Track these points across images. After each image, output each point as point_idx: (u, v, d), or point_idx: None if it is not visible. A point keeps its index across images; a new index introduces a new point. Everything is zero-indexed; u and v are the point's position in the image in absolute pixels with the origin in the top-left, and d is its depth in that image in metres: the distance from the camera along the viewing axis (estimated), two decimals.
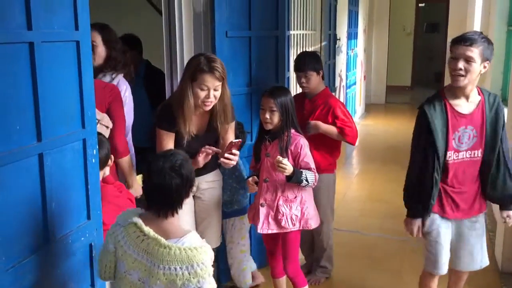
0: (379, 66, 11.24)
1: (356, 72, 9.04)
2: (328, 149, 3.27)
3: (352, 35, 8.28)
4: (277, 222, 2.70)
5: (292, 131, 2.69)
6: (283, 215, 2.69)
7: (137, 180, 2.63)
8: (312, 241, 3.48)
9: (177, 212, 1.66)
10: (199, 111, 2.52)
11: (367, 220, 4.58)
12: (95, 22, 2.88)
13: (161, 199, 1.63)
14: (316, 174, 2.69)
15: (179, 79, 3.09)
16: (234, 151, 2.49)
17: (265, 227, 2.72)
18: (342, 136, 3.18)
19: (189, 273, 1.55)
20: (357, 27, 8.72)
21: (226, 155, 2.47)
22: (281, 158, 2.56)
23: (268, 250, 2.91)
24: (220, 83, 2.47)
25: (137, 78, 3.57)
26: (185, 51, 3.06)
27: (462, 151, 2.47)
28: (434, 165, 2.45)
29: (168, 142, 2.53)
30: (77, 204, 1.92)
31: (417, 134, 2.53)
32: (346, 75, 8.05)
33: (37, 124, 1.66)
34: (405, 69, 12.98)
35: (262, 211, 2.71)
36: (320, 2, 5.94)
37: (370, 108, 10.61)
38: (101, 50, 2.81)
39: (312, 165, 2.68)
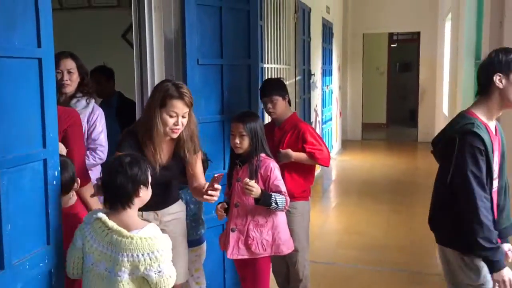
0: (355, 103, 11.42)
1: (332, 108, 9.16)
2: (301, 175, 3.24)
3: (326, 72, 8.44)
4: (248, 247, 2.63)
5: (262, 155, 2.67)
6: (253, 240, 2.63)
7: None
8: (287, 272, 3.40)
9: (129, 207, 1.90)
10: (166, 138, 2.46)
11: (344, 252, 4.52)
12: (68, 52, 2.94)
13: (110, 194, 1.91)
14: (287, 198, 2.65)
15: None
16: (216, 185, 2.35)
17: (235, 252, 2.65)
18: (314, 160, 3.16)
19: (150, 259, 1.78)
20: (331, 65, 8.90)
21: (210, 192, 2.34)
22: (248, 180, 2.53)
23: (240, 277, 2.83)
24: (188, 109, 2.41)
25: (109, 108, 3.56)
26: (156, 78, 3.04)
27: (495, 178, 2.18)
28: (491, 196, 2.10)
29: None
30: (36, 228, 1.83)
31: (472, 162, 2.06)
32: (322, 111, 8.14)
33: None
34: (379, 107, 13.22)
35: (233, 236, 2.64)
36: (294, 38, 6.06)
37: (346, 144, 10.71)
38: (76, 77, 2.95)
39: (283, 188, 2.65)
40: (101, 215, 1.87)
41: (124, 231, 1.82)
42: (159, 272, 1.80)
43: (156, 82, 3.05)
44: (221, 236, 2.83)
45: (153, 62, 3.04)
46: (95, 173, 2.98)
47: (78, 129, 2.45)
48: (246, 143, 2.63)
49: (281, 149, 3.15)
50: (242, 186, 2.62)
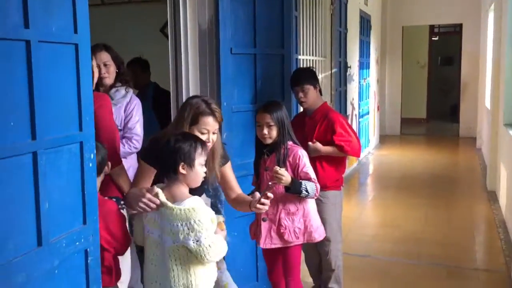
0: (393, 97, 11.22)
1: (369, 102, 9.03)
2: (332, 164, 3.22)
3: (364, 65, 8.32)
4: (280, 235, 2.64)
5: (290, 143, 2.68)
6: (285, 228, 2.63)
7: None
8: (319, 262, 3.39)
9: (174, 180, 2.07)
10: None
11: (380, 245, 4.47)
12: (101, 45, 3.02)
13: (160, 168, 2.20)
14: (317, 185, 2.64)
15: (184, 97, 3.12)
16: (269, 194, 2.32)
17: (268, 241, 2.67)
18: (343, 152, 3.14)
19: (188, 228, 1.94)
20: (369, 57, 8.78)
21: (263, 200, 2.31)
22: (278, 168, 2.54)
23: (268, 268, 2.84)
24: (218, 126, 2.39)
25: (145, 99, 3.64)
26: (190, 68, 3.09)
27: None
28: None
29: (148, 179, 2.33)
30: (73, 208, 1.89)
31: None
32: (359, 104, 8.04)
33: (32, 122, 1.66)
34: (420, 101, 12.95)
35: (264, 225, 2.66)
36: (330, 30, 6.01)
37: (385, 139, 10.55)
38: (113, 68, 3.02)
39: (313, 175, 2.65)
40: (157, 189, 2.05)
41: (168, 203, 2.00)
42: (197, 241, 1.93)
43: (191, 72, 3.11)
44: (251, 226, 2.84)
45: (187, 52, 3.09)
46: (129, 162, 3.06)
47: (106, 111, 2.47)
48: (274, 133, 2.64)
49: (310, 143, 3.13)
50: (272, 175, 2.63)
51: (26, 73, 1.63)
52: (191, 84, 3.12)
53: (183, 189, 2.08)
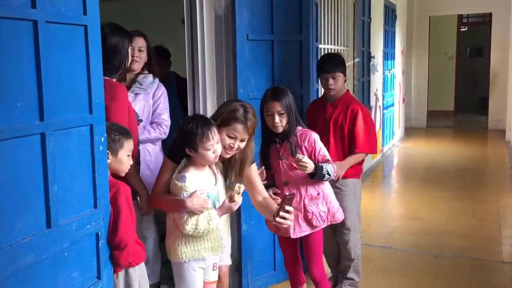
0: (420, 89, 10.99)
1: (394, 93, 8.86)
2: (352, 153, 3.16)
3: (388, 56, 8.16)
4: (309, 222, 2.61)
5: (299, 128, 2.62)
6: (312, 214, 2.61)
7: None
8: (338, 252, 3.33)
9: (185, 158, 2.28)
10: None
11: (401, 237, 4.37)
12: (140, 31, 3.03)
13: None
14: (334, 165, 2.61)
15: (200, 84, 3.10)
16: (288, 207, 2.26)
17: (298, 230, 2.63)
18: (365, 155, 3.13)
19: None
20: (394, 48, 8.60)
21: (282, 213, 2.25)
22: (301, 156, 2.49)
23: (286, 258, 2.80)
24: (249, 135, 2.35)
25: (168, 88, 3.61)
26: (207, 55, 3.07)
27: None
28: None
29: (170, 175, 2.30)
30: (83, 191, 1.88)
31: None
32: (383, 96, 7.90)
33: (40, 103, 1.65)
34: (447, 93, 12.65)
35: None
36: (353, 19, 5.90)
37: (410, 131, 10.35)
38: (145, 56, 3.03)
39: (328, 156, 2.61)
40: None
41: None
42: None
43: (207, 59, 3.08)
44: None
45: (204, 39, 3.06)
46: (157, 148, 3.06)
47: (119, 104, 2.37)
48: (285, 120, 2.58)
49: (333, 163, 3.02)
50: (289, 163, 2.59)
51: (34, 54, 1.63)
52: (207, 72, 3.10)
53: (187, 167, 2.27)
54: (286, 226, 2.35)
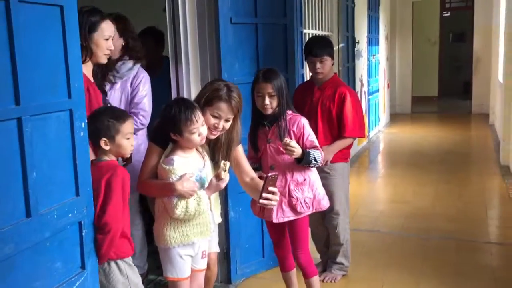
0: (404, 75, 11.02)
1: (379, 79, 8.86)
2: (341, 138, 3.13)
3: (372, 41, 8.14)
4: (292, 207, 2.57)
5: (289, 112, 2.58)
6: (297, 200, 2.56)
7: None
8: (327, 237, 3.31)
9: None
10: None
11: (388, 220, 4.38)
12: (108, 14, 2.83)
13: None
14: (322, 152, 2.56)
15: (184, 69, 3.03)
16: (271, 188, 2.25)
17: (280, 215, 2.58)
18: (353, 139, 3.11)
19: None
20: (378, 34, 8.58)
21: (265, 195, 2.24)
22: (289, 140, 2.45)
23: (274, 242, 2.77)
24: (233, 115, 2.31)
25: (161, 75, 3.48)
26: (189, 38, 3.00)
27: None
28: None
29: (156, 159, 2.26)
30: (64, 178, 1.82)
31: None
32: (368, 81, 7.89)
33: (15, 87, 1.58)
34: (431, 79, 12.72)
35: None
36: (337, 4, 5.85)
37: (395, 117, 10.39)
38: (116, 40, 2.78)
39: (317, 143, 2.56)
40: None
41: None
42: None
43: (190, 43, 3.01)
44: (253, 202, 2.69)
45: (186, 23, 2.99)
46: (140, 138, 2.97)
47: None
48: (275, 102, 2.53)
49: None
50: (276, 148, 2.55)
51: (7, 35, 1.55)
52: (190, 57, 3.02)
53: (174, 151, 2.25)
54: (271, 207, 2.33)
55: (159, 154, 2.26)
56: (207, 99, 2.28)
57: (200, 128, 2.18)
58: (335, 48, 5.83)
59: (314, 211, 2.63)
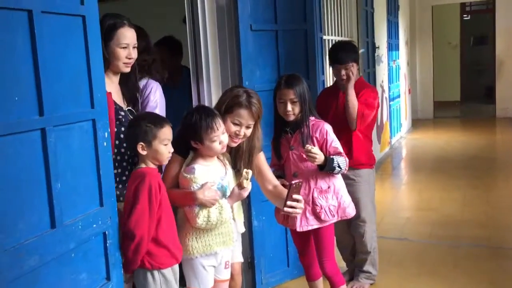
0: (425, 80, 10.87)
1: (400, 84, 8.75)
2: (368, 141, 3.07)
3: (393, 46, 8.05)
4: (316, 216, 2.51)
5: (312, 118, 2.53)
6: (321, 208, 2.50)
7: None
8: (353, 246, 3.24)
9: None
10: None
11: (416, 227, 4.27)
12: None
13: None
14: (347, 159, 2.50)
15: (205, 77, 3.01)
16: (296, 196, 2.22)
17: (304, 223, 2.53)
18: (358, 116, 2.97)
19: None
20: (398, 39, 8.49)
21: (289, 203, 2.21)
22: (310, 147, 2.40)
23: (299, 251, 2.71)
24: (254, 121, 2.27)
25: (179, 87, 3.44)
26: (210, 47, 2.98)
27: None
28: None
29: (177, 168, 2.21)
30: (88, 189, 1.80)
31: None
32: (389, 87, 7.79)
33: (39, 98, 1.57)
34: (453, 83, 12.51)
35: None
36: (356, 9, 5.80)
37: (417, 123, 10.24)
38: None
39: (341, 149, 2.50)
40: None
41: None
42: None
43: (210, 51, 2.99)
44: (277, 210, 2.63)
45: (206, 32, 2.98)
46: None
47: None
48: (297, 109, 2.49)
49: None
50: (298, 154, 2.51)
51: (30, 46, 1.55)
52: (211, 65, 3.01)
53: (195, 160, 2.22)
54: (295, 215, 2.29)
55: (180, 163, 2.23)
56: (227, 106, 2.25)
57: (221, 136, 2.14)
58: None
59: (339, 219, 2.57)
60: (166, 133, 2.04)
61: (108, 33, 2.22)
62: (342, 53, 2.99)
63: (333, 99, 3.09)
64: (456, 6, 12.07)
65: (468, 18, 12.80)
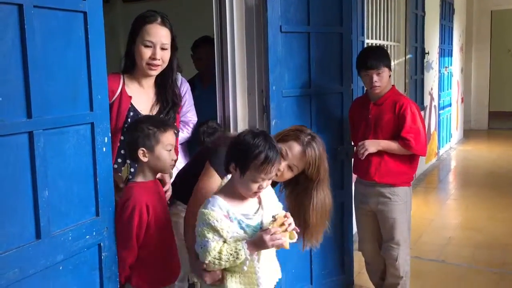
0: (480, 89, 10.29)
1: (452, 93, 8.30)
2: (406, 160, 2.80)
3: (445, 52, 7.64)
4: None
5: None
6: None
7: None
8: (384, 269, 2.99)
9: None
10: None
11: (457, 249, 3.95)
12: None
13: None
14: None
15: (230, 80, 2.86)
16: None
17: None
18: (407, 149, 2.72)
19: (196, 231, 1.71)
20: (451, 44, 8.05)
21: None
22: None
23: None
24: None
25: (212, 86, 3.34)
26: (236, 48, 2.82)
27: None
28: None
29: (215, 187, 1.89)
30: (82, 198, 1.68)
31: None
32: (439, 95, 7.39)
33: (26, 98, 1.46)
34: (510, 93, 11.81)
35: None
36: (405, 12, 5.50)
37: (469, 134, 9.70)
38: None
39: None
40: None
41: None
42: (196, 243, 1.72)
43: (237, 53, 2.83)
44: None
45: (233, 32, 2.82)
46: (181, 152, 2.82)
47: None
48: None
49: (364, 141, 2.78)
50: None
51: (19, 42, 1.44)
52: (237, 67, 2.85)
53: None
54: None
55: (217, 183, 1.89)
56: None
57: (266, 180, 1.70)
58: (402, 59, 5.49)
59: None
60: (170, 137, 1.88)
61: (136, 29, 2.09)
62: (372, 57, 2.78)
63: (364, 110, 2.87)
64: None
65: None
